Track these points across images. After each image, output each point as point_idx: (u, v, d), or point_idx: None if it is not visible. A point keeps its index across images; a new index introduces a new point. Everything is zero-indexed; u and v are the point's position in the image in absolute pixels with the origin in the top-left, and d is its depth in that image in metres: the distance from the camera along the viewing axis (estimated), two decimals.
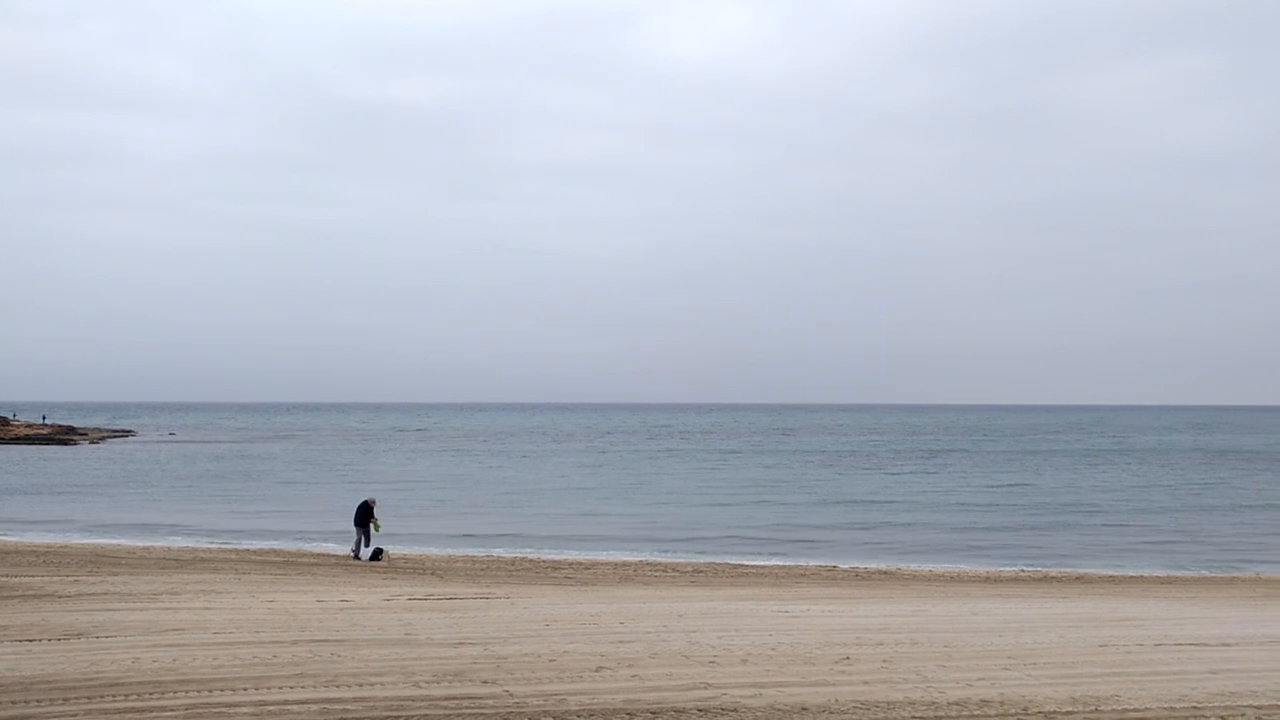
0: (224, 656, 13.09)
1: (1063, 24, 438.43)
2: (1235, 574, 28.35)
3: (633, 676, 12.32)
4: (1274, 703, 11.39)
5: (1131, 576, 27.34)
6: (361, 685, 11.69)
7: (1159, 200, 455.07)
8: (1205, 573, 28.90)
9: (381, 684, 11.77)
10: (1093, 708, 11.12)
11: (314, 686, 11.57)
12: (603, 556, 30.21)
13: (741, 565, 28.63)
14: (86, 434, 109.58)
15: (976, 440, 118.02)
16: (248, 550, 29.88)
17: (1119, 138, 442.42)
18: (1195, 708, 11.17)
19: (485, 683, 11.88)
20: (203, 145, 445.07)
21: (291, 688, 11.51)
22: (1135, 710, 11.06)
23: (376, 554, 27.16)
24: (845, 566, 28.59)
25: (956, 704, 11.20)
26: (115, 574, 22.40)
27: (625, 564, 28.07)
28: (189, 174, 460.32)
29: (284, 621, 16.13)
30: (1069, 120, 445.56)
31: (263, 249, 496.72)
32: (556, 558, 29.50)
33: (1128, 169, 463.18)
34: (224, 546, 31.01)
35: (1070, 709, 11.07)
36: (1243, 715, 10.90)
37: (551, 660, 13.17)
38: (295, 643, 14.17)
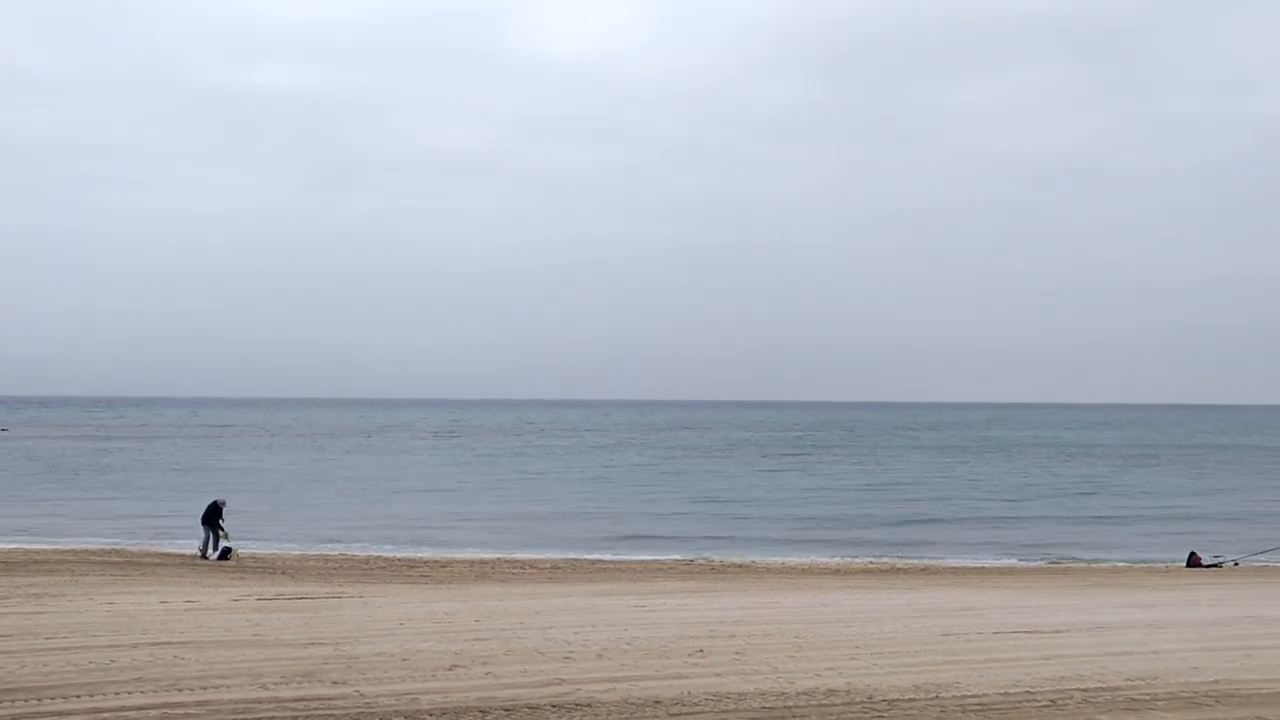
0: (56, 663, 12.48)
1: (927, 32, 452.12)
2: (1069, 564, 29.83)
3: (487, 674, 12.25)
4: (1099, 685, 12.03)
5: (974, 568, 28.51)
6: (205, 688, 11.31)
7: (1028, 205, 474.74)
8: (1041, 563, 30.35)
9: (227, 686, 11.42)
10: (934, 695, 11.54)
11: (154, 691, 11.15)
12: (460, 554, 29.92)
13: (599, 561, 28.78)
14: None
15: (843, 436, 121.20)
16: (86, 551, 28.50)
17: (984, 143, 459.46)
18: (1028, 692, 11.71)
19: (336, 683, 11.64)
20: (59, 130, 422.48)
21: (129, 693, 11.07)
22: (974, 696, 11.53)
23: (225, 553, 26.32)
24: (701, 560, 29.03)
25: (805, 694, 11.48)
26: None
27: (483, 561, 27.86)
28: (43, 160, 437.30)
29: (123, 624, 15.49)
30: (938, 126, 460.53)
31: (121, 238, 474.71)
32: (412, 556, 29.10)
33: (995, 174, 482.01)
34: (60, 547, 29.48)
35: (913, 696, 11.47)
36: (1070, 697, 11.47)
37: (404, 659, 12.99)
38: (135, 646, 13.62)
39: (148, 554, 28.32)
